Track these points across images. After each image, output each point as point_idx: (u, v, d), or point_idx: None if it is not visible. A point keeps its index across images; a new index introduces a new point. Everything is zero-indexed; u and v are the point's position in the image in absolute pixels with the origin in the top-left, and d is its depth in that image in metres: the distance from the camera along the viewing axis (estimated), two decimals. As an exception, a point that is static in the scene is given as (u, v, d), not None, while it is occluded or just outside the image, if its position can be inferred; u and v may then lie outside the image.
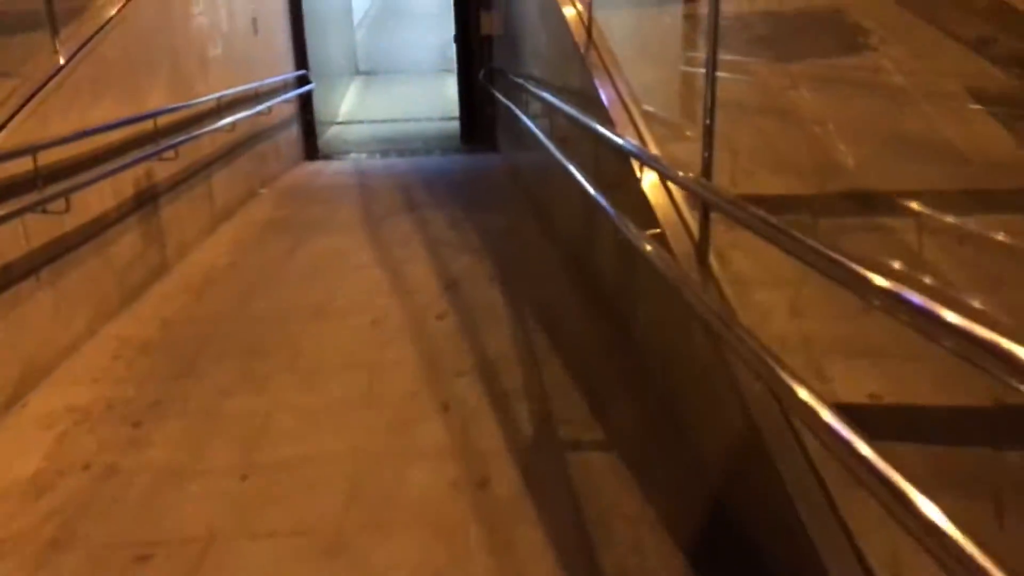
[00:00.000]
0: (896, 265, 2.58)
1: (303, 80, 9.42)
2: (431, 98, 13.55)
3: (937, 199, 3.08)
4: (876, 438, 2.26)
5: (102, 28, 4.49)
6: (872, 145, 3.43)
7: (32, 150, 3.46)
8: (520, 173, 7.65)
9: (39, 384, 3.56)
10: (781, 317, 2.60)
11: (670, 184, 3.09)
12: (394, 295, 4.56)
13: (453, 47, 10.47)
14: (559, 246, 5.30)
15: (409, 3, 21.87)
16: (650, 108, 3.81)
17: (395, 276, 4.88)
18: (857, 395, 2.28)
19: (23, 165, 3.49)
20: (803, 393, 1.66)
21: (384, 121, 12.27)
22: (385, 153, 10.01)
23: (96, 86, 4.31)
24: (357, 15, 17.11)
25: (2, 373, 3.36)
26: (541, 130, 5.44)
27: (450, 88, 11.15)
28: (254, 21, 7.69)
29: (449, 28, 10.46)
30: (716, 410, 2.60)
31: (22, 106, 3.70)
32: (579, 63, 4.51)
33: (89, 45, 4.30)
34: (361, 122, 12.37)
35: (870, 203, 3.10)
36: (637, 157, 3.02)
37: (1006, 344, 1.14)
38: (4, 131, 3.55)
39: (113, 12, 4.65)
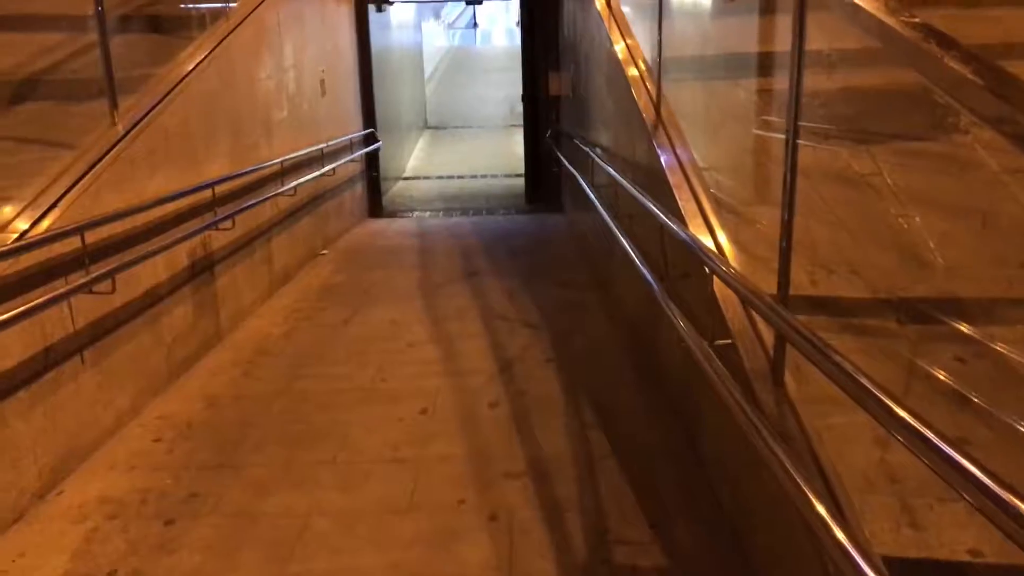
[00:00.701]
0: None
1: (370, 138, 9.42)
2: (498, 154, 13.52)
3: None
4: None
5: (165, 97, 4.47)
6: (966, 243, 3.14)
7: (79, 230, 3.38)
8: (583, 238, 7.45)
9: (78, 468, 3.46)
10: (864, 446, 2.32)
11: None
12: (446, 376, 4.37)
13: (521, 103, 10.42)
14: (622, 325, 5.05)
15: (479, 58, 22.17)
16: (721, 195, 3.58)
17: (449, 354, 4.70)
18: (955, 550, 2.01)
19: (71, 244, 3.42)
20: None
21: (450, 177, 12.23)
22: (448, 212, 9.92)
23: (154, 157, 4.26)
24: (428, 69, 17.29)
25: (39, 460, 3.25)
26: (605, 205, 5.22)
27: (517, 143, 11.07)
28: (322, 82, 7.70)
29: (519, 82, 10.39)
30: (789, 554, 2.32)
31: (77, 182, 3.66)
32: (646, 140, 4.30)
33: (150, 115, 4.28)
34: (428, 177, 12.35)
35: (963, 310, 2.82)
36: (706, 264, 2.79)
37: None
38: (56, 209, 3.50)
39: (176, 80, 4.64)
